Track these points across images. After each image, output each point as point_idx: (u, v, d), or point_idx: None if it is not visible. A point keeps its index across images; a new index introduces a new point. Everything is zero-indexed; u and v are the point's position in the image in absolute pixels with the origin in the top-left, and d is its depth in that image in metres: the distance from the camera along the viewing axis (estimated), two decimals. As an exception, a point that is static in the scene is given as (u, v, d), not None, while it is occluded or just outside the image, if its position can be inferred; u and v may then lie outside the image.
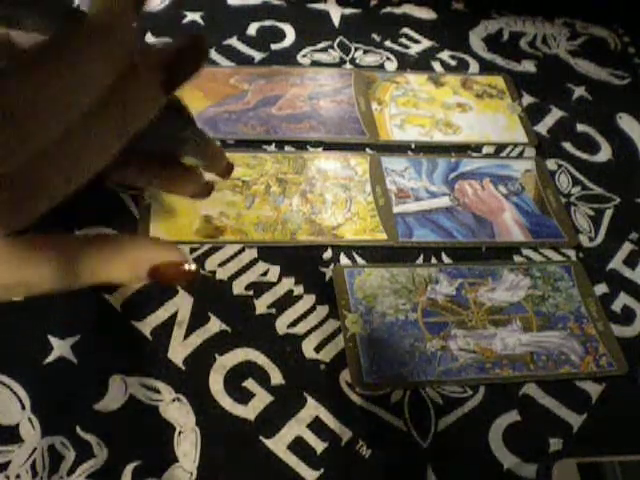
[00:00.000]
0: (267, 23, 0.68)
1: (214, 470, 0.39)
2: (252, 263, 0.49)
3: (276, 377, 0.43)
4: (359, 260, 0.50)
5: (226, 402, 0.42)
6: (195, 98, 0.59)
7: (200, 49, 0.21)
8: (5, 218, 0.18)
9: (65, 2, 0.19)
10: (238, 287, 0.47)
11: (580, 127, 0.63)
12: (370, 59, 0.66)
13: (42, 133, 0.16)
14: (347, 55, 0.66)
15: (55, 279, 0.21)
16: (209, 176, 0.38)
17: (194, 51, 0.21)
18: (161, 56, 0.20)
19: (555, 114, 0.63)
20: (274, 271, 0.48)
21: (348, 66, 0.65)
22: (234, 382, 0.43)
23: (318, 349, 0.45)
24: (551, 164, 0.59)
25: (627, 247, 0.54)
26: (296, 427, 0.41)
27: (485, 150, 0.59)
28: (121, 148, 0.20)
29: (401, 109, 0.61)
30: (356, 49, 0.67)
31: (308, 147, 0.57)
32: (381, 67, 0.65)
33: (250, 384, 0.43)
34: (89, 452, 0.39)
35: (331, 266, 0.49)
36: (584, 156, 0.60)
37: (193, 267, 0.23)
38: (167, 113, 0.23)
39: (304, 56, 0.65)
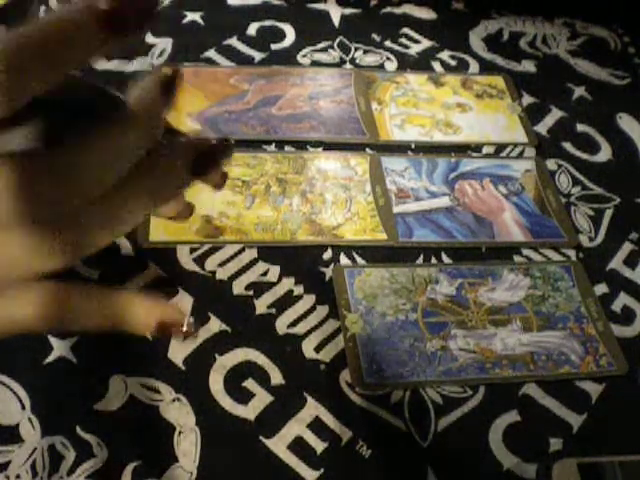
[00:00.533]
0: (267, 23, 0.68)
1: (214, 470, 0.39)
2: (252, 263, 0.49)
3: (276, 377, 0.43)
4: (359, 260, 0.50)
5: (226, 402, 0.42)
6: (195, 98, 0.59)
7: (229, 149, 0.25)
8: (48, 259, 0.21)
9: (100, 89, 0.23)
10: (238, 287, 0.47)
11: (580, 127, 0.63)
12: (370, 59, 0.66)
13: (87, 189, 0.21)
14: (347, 55, 0.66)
15: (39, 322, 0.22)
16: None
17: (224, 149, 0.25)
18: (195, 144, 0.24)
19: (555, 114, 0.63)
20: (274, 271, 0.48)
21: (348, 66, 0.65)
22: (234, 382, 0.43)
23: (318, 349, 0.45)
24: (551, 164, 0.59)
25: (627, 247, 0.54)
26: (296, 427, 0.41)
27: (485, 150, 0.59)
28: (150, 212, 0.24)
29: (401, 109, 0.61)
30: (356, 49, 0.67)
31: (308, 147, 0.57)
32: (381, 67, 0.65)
33: (250, 384, 0.43)
34: (89, 452, 0.39)
35: (331, 266, 0.49)
36: (584, 156, 0.60)
37: (185, 328, 0.26)
38: None
39: (304, 56, 0.65)
